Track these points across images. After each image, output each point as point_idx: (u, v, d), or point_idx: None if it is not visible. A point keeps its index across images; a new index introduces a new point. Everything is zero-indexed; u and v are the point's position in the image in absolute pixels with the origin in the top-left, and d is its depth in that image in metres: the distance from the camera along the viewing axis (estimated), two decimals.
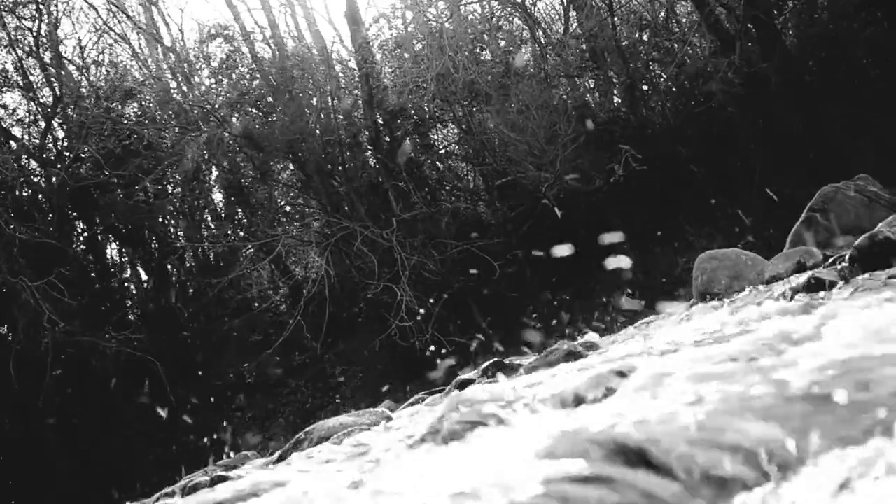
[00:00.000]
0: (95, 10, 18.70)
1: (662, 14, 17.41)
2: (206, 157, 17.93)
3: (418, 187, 16.93)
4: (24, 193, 17.25)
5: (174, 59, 19.05)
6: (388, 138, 17.56)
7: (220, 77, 18.70)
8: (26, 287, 13.64)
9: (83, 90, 17.68)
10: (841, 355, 2.20)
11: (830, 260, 6.04)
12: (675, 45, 16.28)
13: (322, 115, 17.87)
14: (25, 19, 16.99)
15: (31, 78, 17.42)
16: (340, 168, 17.77)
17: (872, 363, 2.06)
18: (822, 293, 4.68)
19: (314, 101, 18.07)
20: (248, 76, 18.80)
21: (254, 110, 18.51)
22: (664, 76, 16.43)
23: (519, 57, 16.66)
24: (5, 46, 16.88)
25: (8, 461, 13.73)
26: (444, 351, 13.74)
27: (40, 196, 17.26)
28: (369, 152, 18.37)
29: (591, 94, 17.65)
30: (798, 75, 13.69)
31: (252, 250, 18.05)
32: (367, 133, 18.09)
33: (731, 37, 14.38)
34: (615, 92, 17.08)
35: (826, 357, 2.24)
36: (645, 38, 17.20)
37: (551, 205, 13.77)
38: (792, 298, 4.87)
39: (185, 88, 18.78)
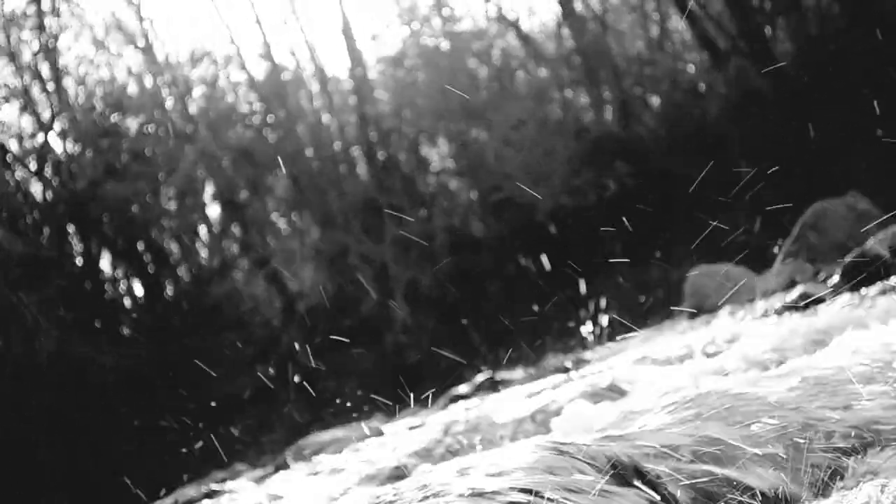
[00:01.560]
0: (91, 28, 18.70)
1: (655, 30, 17.51)
2: (201, 171, 17.92)
3: (412, 203, 16.95)
4: (21, 207, 17.18)
5: (169, 73, 19.07)
6: (381, 154, 17.59)
7: (214, 92, 18.73)
8: (23, 301, 13.59)
9: (80, 105, 17.68)
10: (830, 370, 2.23)
11: (821, 276, 6.08)
12: (668, 61, 16.36)
13: (316, 131, 17.89)
14: (25, 31, 17.02)
15: (29, 92, 17.41)
16: (334, 183, 17.78)
17: (860, 378, 2.09)
18: (812, 308, 4.72)
19: (308, 117, 18.09)
20: (242, 91, 18.83)
21: (248, 125, 18.53)
22: (657, 92, 16.52)
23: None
24: (4, 58, 16.88)
25: (7, 464, 13.65)
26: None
27: (36, 210, 17.21)
28: (363, 168, 18.38)
29: (585, 110, 17.72)
30: (791, 88, 13.75)
31: (246, 264, 18.02)
32: (361, 149, 18.12)
33: (724, 52, 14.47)
34: (608, 108, 17.15)
35: (811, 371, 2.27)
36: (638, 54, 17.28)
37: (545, 220, 13.82)
38: (782, 313, 4.91)
39: (179, 103, 18.79)
